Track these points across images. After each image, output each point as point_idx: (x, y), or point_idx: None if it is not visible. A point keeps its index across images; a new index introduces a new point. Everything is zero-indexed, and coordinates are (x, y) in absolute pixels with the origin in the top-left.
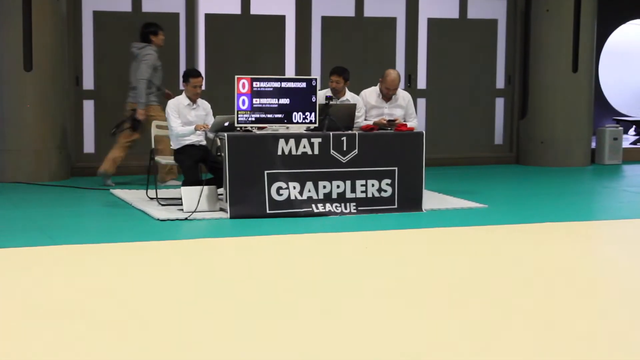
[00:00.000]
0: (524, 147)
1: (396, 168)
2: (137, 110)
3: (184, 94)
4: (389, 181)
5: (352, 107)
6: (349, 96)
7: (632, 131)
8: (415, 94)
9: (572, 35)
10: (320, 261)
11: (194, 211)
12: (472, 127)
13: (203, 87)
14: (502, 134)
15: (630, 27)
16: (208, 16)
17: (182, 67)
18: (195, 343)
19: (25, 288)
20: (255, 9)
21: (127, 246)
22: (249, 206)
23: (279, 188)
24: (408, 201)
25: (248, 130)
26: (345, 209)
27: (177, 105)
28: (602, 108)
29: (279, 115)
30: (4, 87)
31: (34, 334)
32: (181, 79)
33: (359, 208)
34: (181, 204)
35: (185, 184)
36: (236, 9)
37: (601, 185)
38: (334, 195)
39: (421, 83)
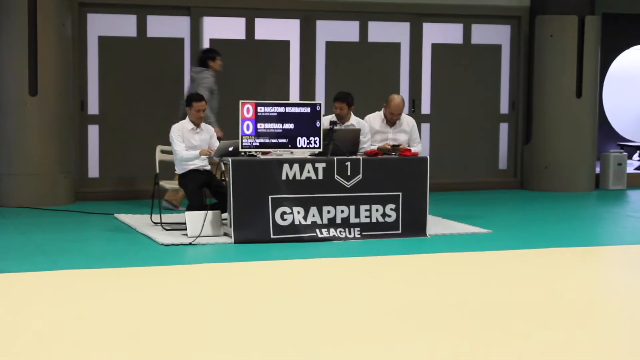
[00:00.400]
0: (528, 172)
1: (400, 193)
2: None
3: (187, 118)
4: (393, 206)
5: (357, 132)
6: (354, 121)
7: (636, 156)
8: (419, 118)
9: (576, 60)
10: (325, 286)
11: (198, 236)
12: (476, 152)
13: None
14: (506, 159)
15: (634, 53)
16: (213, 41)
17: (186, 92)
18: None
19: (28, 313)
20: (259, 34)
21: (131, 271)
22: (253, 231)
23: (283, 213)
24: (412, 226)
25: (252, 155)
26: (350, 234)
27: (181, 129)
28: (606, 133)
29: (283, 140)
30: (9, 111)
31: (38, 359)
32: (185, 104)
33: (363, 233)
34: (185, 229)
35: (189, 208)
36: (241, 34)
37: (606, 210)
38: (338, 220)
39: (425, 108)
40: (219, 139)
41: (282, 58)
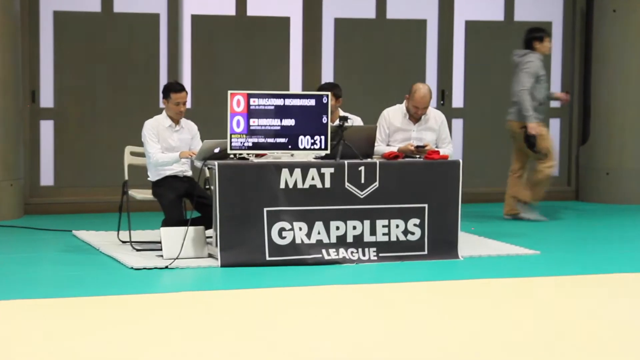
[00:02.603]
0: (584, 179)
1: (426, 205)
2: (527, 125)
3: (164, 113)
4: (417, 221)
5: (372, 130)
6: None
7: None
8: (449, 113)
9: None
10: (333, 321)
11: (177, 258)
12: None
13: (188, 105)
14: (557, 164)
15: None
16: (195, 18)
17: (163, 81)
18: None
19: None
20: (253, 10)
21: (93, 301)
22: (245, 252)
23: (282, 229)
24: (441, 246)
25: (244, 158)
26: (364, 255)
27: (156, 127)
28: None
29: (282, 140)
30: None
31: None
32: (160, 95)
33: (380, 254)
34: (161, 249)
35: (165, 223)
36: (230, 9)
37: None
38: (350, 239)
39: (457, 100)
40: (529, 136)
41: (280, 39)
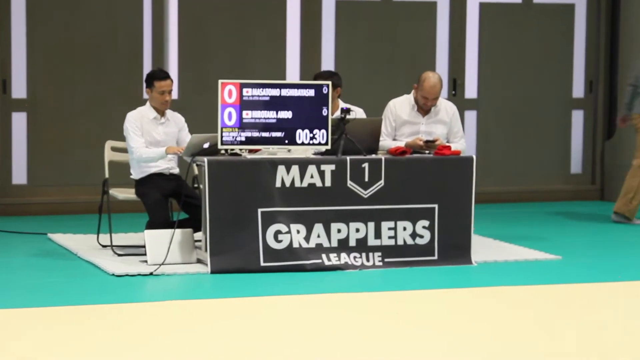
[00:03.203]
0: (610, 177)
1: (436, 205)
2: None
3: (147, 104)
4: (426, 223)
5: (377, 123)
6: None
7: None
8: (462, 105)
9: None
10: (334, 332)
11: (162, 263)
12: (539, 151)
13: (175, 96)
14: (580, 160)
15: None
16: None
17: (147, 68)
18: None
19: None
20: None
21: (70, 311)
22: (237, 257)
23: (278, 232)
24: (452, 250)
25: (236, 154)
26: (368, 260)
27: (140, 119)
28: None
29: (278, 134)
30: None
31: None
32: (144, 84)
33: (386, 260)
34: (144, 254)
35: (150, 226)
36: None
37: None
38: (352, 243)
39: (470, 91)
40: None
41: (276, 23)
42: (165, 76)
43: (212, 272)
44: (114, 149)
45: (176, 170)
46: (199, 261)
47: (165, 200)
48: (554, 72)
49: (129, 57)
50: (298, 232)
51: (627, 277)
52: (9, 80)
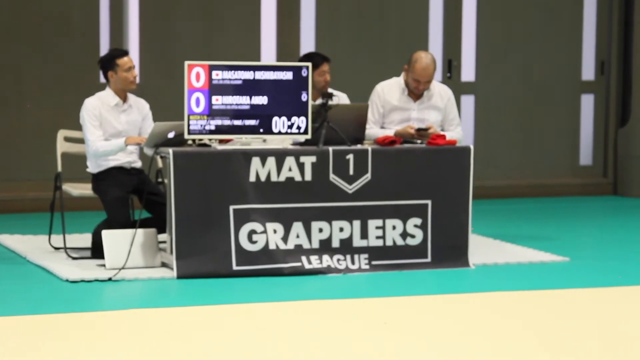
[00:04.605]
0: (624, 169)
1: (429, 202)
2: None
3: (107, 89)
4: (418, 221)
5: (363, 110)
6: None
7: None
8: (458, 89)
9: None
10: (315, 343)
11: (122, 267)
12: (544, 140)
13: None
14: (591, 150)
15: None
16: None
17: (104, 50)
18: None
19: None
20: None
21: (19, 321)
22: (206, 260)
23: (252, 232)
24: (447, 251)
25: (205, 145)
26: (353, 263)
27: (99, 107)
28: None
29: (252, 122)
30: None
31: None
32: (101, 70)
33: (374, 262)
34: (102, 257)
35: (107, 225)
36: None
37: None
38: (336, 243)
39: (467, 73)
40: None
41: None
42: (124, 53)
43: (178, 277)
44: (67, 139)
45: (138, 164)
46: (163, 265)
47: (125, 197)
48: (560, 52)
49: (83, 37)
50: (275, 231)
51: None
52: None
